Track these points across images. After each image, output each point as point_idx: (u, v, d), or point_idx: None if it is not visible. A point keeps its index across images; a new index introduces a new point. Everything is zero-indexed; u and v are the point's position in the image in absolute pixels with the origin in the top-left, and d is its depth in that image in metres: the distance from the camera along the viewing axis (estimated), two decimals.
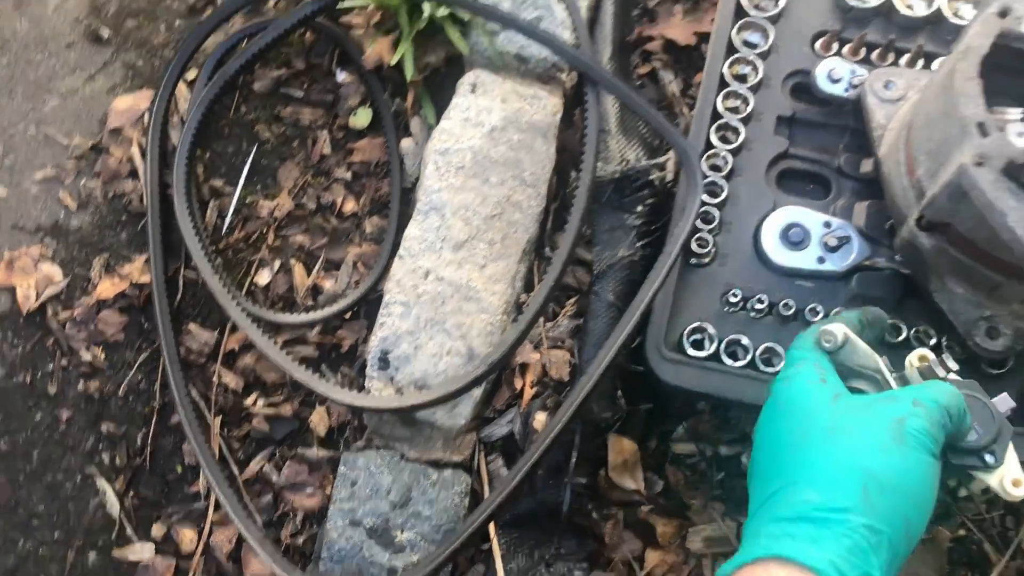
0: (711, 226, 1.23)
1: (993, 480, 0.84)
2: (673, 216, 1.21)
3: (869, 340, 0.90)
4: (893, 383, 0.86)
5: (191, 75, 1.44)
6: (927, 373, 0.88)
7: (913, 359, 0.90)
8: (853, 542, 0.68)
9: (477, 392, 1.19)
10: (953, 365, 0.95)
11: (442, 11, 1.32)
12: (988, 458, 0.83)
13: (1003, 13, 1.04)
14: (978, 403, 0.84)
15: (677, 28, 1.44)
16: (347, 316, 1.31)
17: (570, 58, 1.26)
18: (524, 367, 1.24)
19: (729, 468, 1.26)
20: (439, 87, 1.37)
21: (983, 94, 1.01)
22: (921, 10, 1.31)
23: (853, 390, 0.85)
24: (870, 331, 0.93)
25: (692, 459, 1.26)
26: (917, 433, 0.74)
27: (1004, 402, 0.89)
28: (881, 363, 0.87)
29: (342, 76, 1.43)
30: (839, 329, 0.86)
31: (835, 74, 1.27)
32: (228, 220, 1.37)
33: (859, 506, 0.69)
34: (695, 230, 1.22)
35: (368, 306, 1.30)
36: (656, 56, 1.42)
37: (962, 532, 1.22)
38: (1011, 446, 0.84)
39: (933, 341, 1.16)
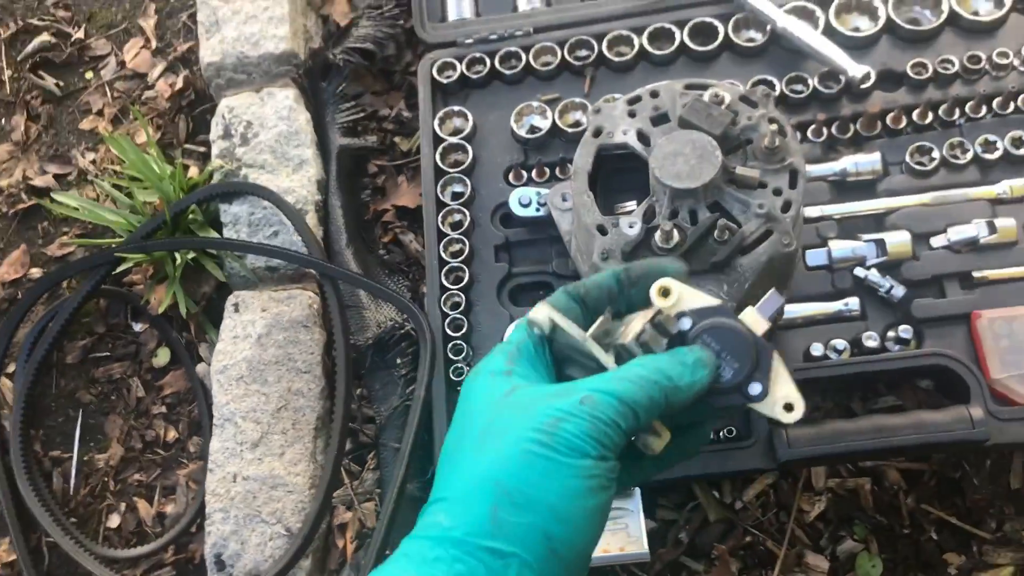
0: (462, 356, 1.44)
1: (766, 409, 0.74)
2: (419, 365, 1.43)
3: (635, 299, 0.79)
4: (608, 363, 0.75)
5: (10, 368, 1.64)
6: (652, 341, 0.75)
7: (636, 324, 0.76)
8: (468, 567, 0.62)
9: (305, 563, 1.37)
10: (693, 299, 0.76)
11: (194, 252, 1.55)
12: (753, 390, 0.74)
13: (596, 133, 1.29)
14: (728, 332, 0.74)
15: (405, 195, 1.67)
16: (193, 529, 1.49)
17: (302, 263, 1.49)
18: (343, 527, 1.42)
19: None
20: (218, 311, 1.59)
21: (596, 203, 1.25)
22: (584, 126, 1.56)
23: (567, 378, 0.77)
24: (636, 292, 0.79)
25: None
26: (571, 438, 0.65)
27: (768, 303, 0.78)
28: (591, 344, 0.75)
29: (138, 327, 1.64)
30: (542, 315, 0.76)
31: (523, 200, 1.50)
32: (73, 482, 1.56)
33: (484, 527, 0.63)
34: (451, 362, 1.43)
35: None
36: (393, 224, 1.66)
37: (748, 539, 1.40)
38: (779, 364, 0.74)
39: None
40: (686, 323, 0.75)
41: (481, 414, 0.70)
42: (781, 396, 0.73)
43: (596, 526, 0.67)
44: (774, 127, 1.21)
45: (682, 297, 0.75)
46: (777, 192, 1.20)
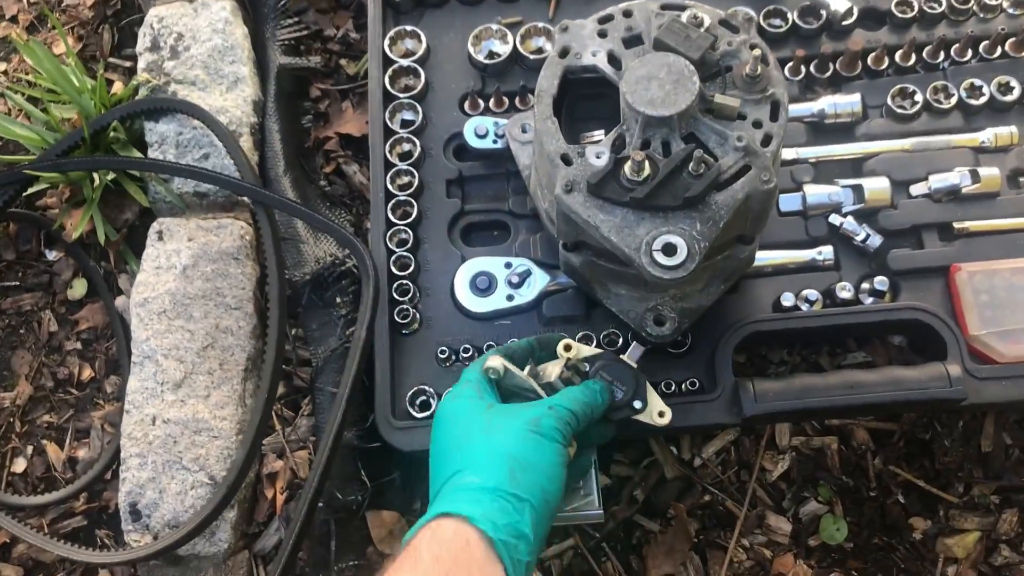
0: (408, 296, 1.33)
1: (646, 418, 1.08)
2: (360, 304, 1.31)
3: (545, 357, 1.13)
4: (543, 394, 1.08)
5: None
6: (569, 380, 1.10)
7: (552, 369, 1.11)
8: (501, 505, 0.90)
9: (230, 515, 1.26)
10: (588, 351, 1.11)
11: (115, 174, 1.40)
12: (636, 404, 1.08)
13: (563, 53, 1.18)
14: (617, 366, 1.09)
15: (350, 123, 1.55)
16: (108, 476, 1.37)
17: (234, 188, 1.35)
18: (272, 476, 1.31)
19: None
20: (141, 239, 1.45)
21: (560, 130, 1.14)
22: (548, 53, 1.44)
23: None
24: (544, 352, 1.14)
25: None
26: (549, 429, 0.97)
27: (635, 350, 1.12)
28: (533, 383, 1.08)
29: (52, 255, 1.50)
30: (497, 362, 1.06)
31: (480, 130, 1.39)
32: None
33: (506, 482, 0.92)
34: (396, 303, 1.32)
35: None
36: (336, 154, 1.53)
37: (707, 498, 1.32)
38: (649, 388, 1.09)
39: (621, 341, 1.28)
40: (586, 366, 1.09)
41: (477, 419, 1.00)
42: (656, 407, 1.09)
43: (564, 484, 0.99)
44: (756, 53, 1.11)
45: (580, 350, 1.09)
46: (757, 124, 1.10)
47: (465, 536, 0.87)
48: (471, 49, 1.44)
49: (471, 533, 0.87)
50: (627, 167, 1.07)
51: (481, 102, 1.44)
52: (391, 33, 1.46)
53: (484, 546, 0.87)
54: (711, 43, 1.11)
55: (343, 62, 1.60)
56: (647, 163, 1.07)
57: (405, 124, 1.42)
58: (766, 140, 1.09)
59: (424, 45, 1.45)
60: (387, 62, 1.44)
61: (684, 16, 1.15)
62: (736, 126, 1.10)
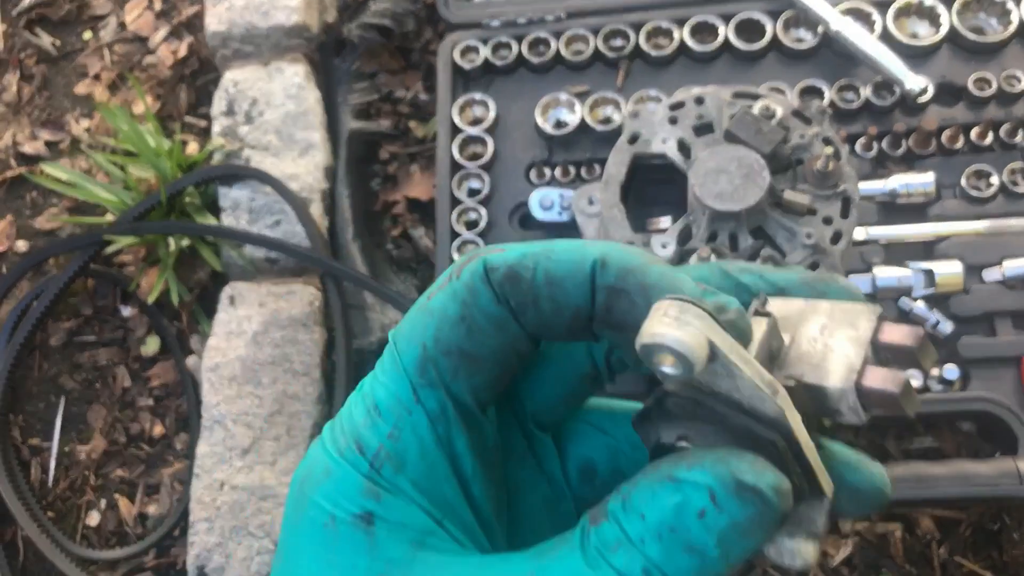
0: None
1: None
2: None
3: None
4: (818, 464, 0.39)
5: None
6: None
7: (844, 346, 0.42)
8: None
9: None
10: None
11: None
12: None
13: (633, 139, 1.18)
14: None
15: (417, 186, 1.57)
16: (176, 533, 1.40)
17: (304, 260, 1.38)
18: None
19: None
20: (213, 300, 1.49)
21: (627, 218, 1.15)
22: (616, 122, 1.44)
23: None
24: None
25: None
26: None
27: None
28: (792, 415, 0.37)
29: (126, 312, 1.54)
30: (695, 334, 0.36)
31: (545, 202, 1.40)
32: (52, 474, 1.47)
33: None
34: None
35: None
36: (403, 217, 1.55)
37: None
38: None
39: None
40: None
41: None
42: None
43: None
44: (829, 150, 1.10)
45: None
46: (827, 221, 1.09)
47: None
48: (539, 118, 1.45)
49: None
50: (693, 260, 1.07)
51: (547, 171, 1.45)
52: (460, 101, 1.47)
53: None
54: (783, 137, 1.10)
55: (412, 124, 1.62)
56: (713, 257, 1.07)
57: (472, 193, 1.44)
58: (836, 238, 1.08)
59: (492, 113, 1.47)
60: (455, 130, 1.46)
61: (756, 107, 1.14)
62: (805, 222, 1.09)
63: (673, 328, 0.35)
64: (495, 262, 0.39)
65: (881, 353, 0.39)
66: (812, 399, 0.38)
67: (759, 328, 0.38)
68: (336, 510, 0.37)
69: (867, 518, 1.32)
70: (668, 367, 0.35)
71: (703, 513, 0.34)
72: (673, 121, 1.17)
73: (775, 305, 0.40)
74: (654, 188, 1.23)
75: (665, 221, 1.21)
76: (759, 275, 0.41)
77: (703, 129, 1.16)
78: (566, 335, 0.40)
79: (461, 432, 0.39)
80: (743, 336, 0.37)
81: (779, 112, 1.14)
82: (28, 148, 1.66)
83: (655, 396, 0.39)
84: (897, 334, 0.38)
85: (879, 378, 0.37)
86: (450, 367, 0.39)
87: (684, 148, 1.16)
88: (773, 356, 0.39)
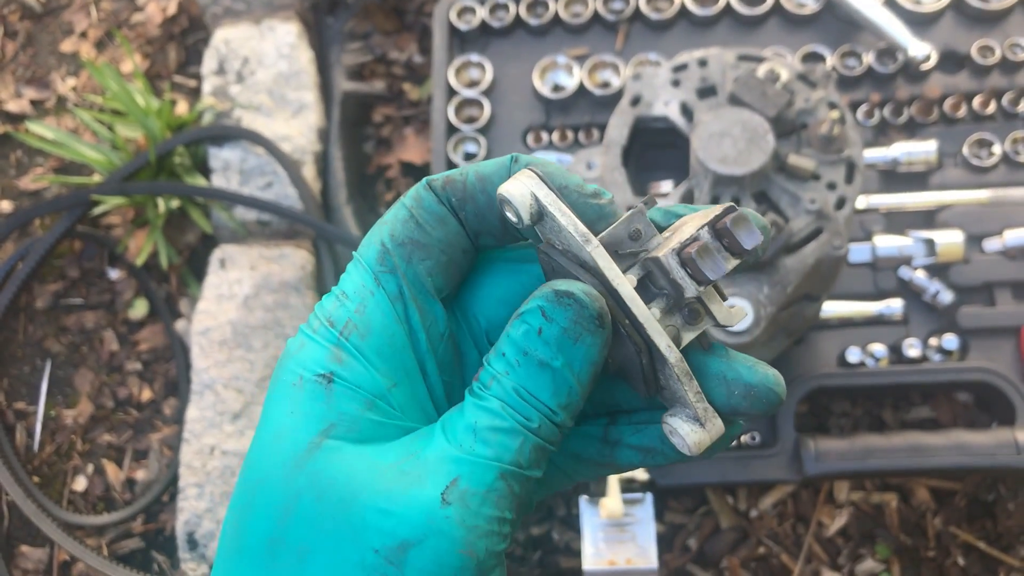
0: None
1: None
2: None
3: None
4: (628, 292, 0.45)
5: None
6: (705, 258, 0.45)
7: (689, 224, 0.46)
8: None
9: None
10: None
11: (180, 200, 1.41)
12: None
13: (634, 102, 1.16)
14: None
15: (411, 150, 1.54)
16: (164, 498, 1.39)
17: (297, 220, 1.36)
18: None
19: None
20: (202, 262, 1.46)
21: (628, 181, 1.13)
22: (615, 87, 1.42)
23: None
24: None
25: None
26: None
27: None
28: (599, 253, 0.44)
29: (114, 274, 1.51)
30: (522, 187, 0.45)
31: None
32: (37, 438, 1.44)
33: None
34: None
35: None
36: (397, 181, 1.53)
37: (762, 550, 1.31)
38: None
39: None
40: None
41: (268, 500, 0.44)
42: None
43: None
44: (835, 114, 1.08)
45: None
46: (831, 186, 1.08)
47: None
48: (536, 81, 1.43)
49: None
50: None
51: (545, 135, 1.43)
52: (456, 63, 1.45)
53: None
54: (788, 100, 1.08)
55: (406, 87, 1.59)
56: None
57: (468, 157, 1.41)
58: (840, 203, 1.07)
59: (489, 75, 1.44)
60: (451, 92, 1.43)
61: (761, 70, 1.12)
62: (809, 187, 1.08)
63: (508, 184, 0.45)
64: (434, 177, 0.47)
65: (723, 238, 0.44)
66: (662, 275, 0.44)
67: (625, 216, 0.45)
68: (304, 371, 0.45)
69: (862, 487, 1.31)
70: (510, 214, 0.45)
71: (540, 330, 0.43)
72: (676, 84, 1.15)
73: (678, 210, 0.48)
74: (655, 152, 1.21)
75: (667, 185, 1.19)
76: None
77: (706, 92, 1.14)
78: (500, 229, 0.47)
79: (416, 312, 0.46)
80: (604, 216, 0.46)
81: (784, 75, 1.12)
82: (12, 106, 1.62)
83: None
84: (725, 218, 0.44)
85: (693, 248, 0.43)
86: (404, 254, 0.46)
87: (687, 111, 1.13)
88: (635, 237, 0.45)
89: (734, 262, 0.44)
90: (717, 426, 0.45)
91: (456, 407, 0.45)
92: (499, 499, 0.43)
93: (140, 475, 1.41)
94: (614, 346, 0.45)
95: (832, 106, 1.09)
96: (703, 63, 1.15)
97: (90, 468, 1.43)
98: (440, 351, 0.47)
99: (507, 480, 0.43)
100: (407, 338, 0.46)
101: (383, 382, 0.45)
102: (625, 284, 0.44)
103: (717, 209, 0.44)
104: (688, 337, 0.45)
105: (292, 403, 0.44)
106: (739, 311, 0.47)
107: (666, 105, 1.14)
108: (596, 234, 0.44)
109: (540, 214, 0.45)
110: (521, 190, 0.44)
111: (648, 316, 0.44)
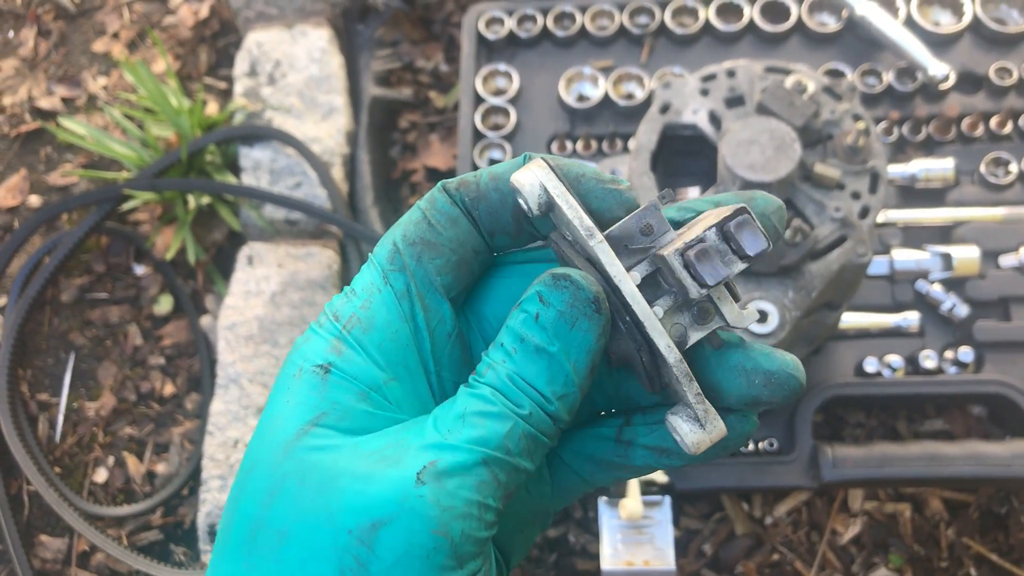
0: None
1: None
2: None
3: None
4: (630, 290, 0.45)
5: (0, 301, 1.53)
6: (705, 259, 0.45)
7: (700, 223, 0.46)
8: None
9: None
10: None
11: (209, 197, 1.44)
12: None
13: (664, 109, 1.18)
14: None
15: (436, 156, 1.57)
16: (184, 492, 1.40)
17: (326, 220, 1.38)
18: None
19: None
20: (229, 260, 1.48)
21: (656, 186, 1.15)
22: (639, 99, 1.45)
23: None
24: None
25: None
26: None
27: None
28: (602, 248, 0.45)
29: (140, 270, 1.53)
30: (532, 176, 0.45)
31: None
32: (59, 429, 1.46)
33: None
34: None
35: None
36: (422, 185, 1.55)
37: (776, 557, 1.32)
38: None
39: None
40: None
41: (256, 485, 0.45)
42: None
43: None
44: (860, 125, 1.11)
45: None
46: (856, 196, 1.10)
47: None
48: (562, 91, 1.46)
49: None
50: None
51: (569, 144, 1.46)
52: (483, 71, 1.48)
53: None
54: (815, 111, 1.11)
55: (432, 94, 1.62)
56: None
57: (493, 162, 1.44)
58: (864, 212, 1.09)
59: (516, 84, 1.47)
60: (478, 100, 1.46)
61: (788, 81, 1.15)
62: (834, 196, 1.10)
63: (520, 173, 0.45)
64: (449, 180, 0.48)
65: (730, 240, 0.44)
66: (668, 273, 0.44)
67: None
68: (304, 363, 0.45)
69: (876, 496, 1.33)
70: (522, 202, 0.45)
71: (538, 315, 0.43)
72: (704, 93, 1.18)
73: (695, 206, 0.47)
74: (682, 159, 1.24)
75: (694, 192, 1.22)
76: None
77: (734, 101, 1.17)
78: (514, 227, 0.47)
79: (422, 311, 0.46)
80: (623, 203, 0.46)
81: (811, 87, 1.15)
82: (44, 103, 1.65)
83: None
84: (732, 221, 0.43)
85: (694, 251, 0.43)
86: (414, 253, 0.46)
87: (715, 119, 1.16)
88: (646, 232, 0.45)
89: (741, 265, 0.44)
90: (718, 428, 0.44)
91: (450, 399, 0.45)
92: (480, 484, 0.42)
93: (160, 468, 1.43)
94: (618, 341, 0.45)
95: (857, 118, 1.12)
96: (731, 73, 1.18)
97: (111, 460, 1.44)
98: (447, 350, 0.47)
99: (490, 466, 0.42)
100: (411, 335, 0.46)
101: (381, 375, 0.45)
102: (627, 280, 0.43)
103: (728, 210, 0.44)
104: (696, 336, 0.45)
105: (290, 393, 0.45)
106: (752, 312, 0.46)
107: (695, 113, 1.17)
108: (610, 224, 0.45)
109: (550, 204, 0.45)
110: (531, 179, 0.44)
111: (649, 314, 0.43)
